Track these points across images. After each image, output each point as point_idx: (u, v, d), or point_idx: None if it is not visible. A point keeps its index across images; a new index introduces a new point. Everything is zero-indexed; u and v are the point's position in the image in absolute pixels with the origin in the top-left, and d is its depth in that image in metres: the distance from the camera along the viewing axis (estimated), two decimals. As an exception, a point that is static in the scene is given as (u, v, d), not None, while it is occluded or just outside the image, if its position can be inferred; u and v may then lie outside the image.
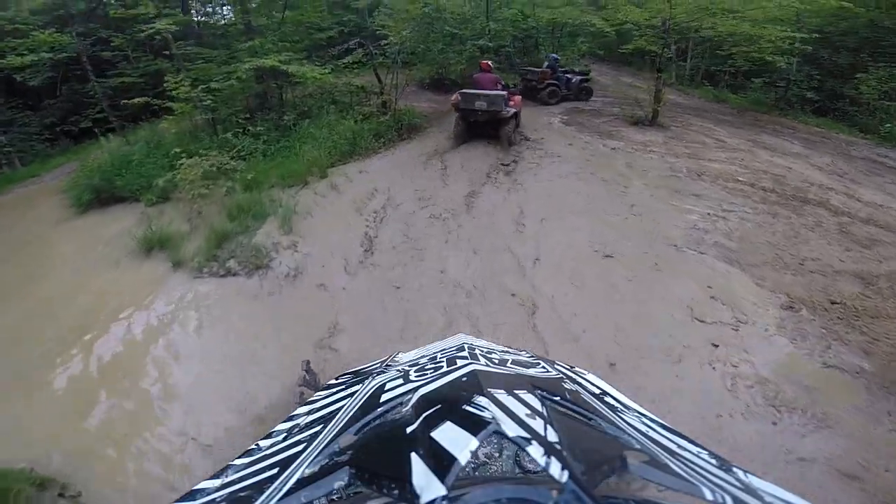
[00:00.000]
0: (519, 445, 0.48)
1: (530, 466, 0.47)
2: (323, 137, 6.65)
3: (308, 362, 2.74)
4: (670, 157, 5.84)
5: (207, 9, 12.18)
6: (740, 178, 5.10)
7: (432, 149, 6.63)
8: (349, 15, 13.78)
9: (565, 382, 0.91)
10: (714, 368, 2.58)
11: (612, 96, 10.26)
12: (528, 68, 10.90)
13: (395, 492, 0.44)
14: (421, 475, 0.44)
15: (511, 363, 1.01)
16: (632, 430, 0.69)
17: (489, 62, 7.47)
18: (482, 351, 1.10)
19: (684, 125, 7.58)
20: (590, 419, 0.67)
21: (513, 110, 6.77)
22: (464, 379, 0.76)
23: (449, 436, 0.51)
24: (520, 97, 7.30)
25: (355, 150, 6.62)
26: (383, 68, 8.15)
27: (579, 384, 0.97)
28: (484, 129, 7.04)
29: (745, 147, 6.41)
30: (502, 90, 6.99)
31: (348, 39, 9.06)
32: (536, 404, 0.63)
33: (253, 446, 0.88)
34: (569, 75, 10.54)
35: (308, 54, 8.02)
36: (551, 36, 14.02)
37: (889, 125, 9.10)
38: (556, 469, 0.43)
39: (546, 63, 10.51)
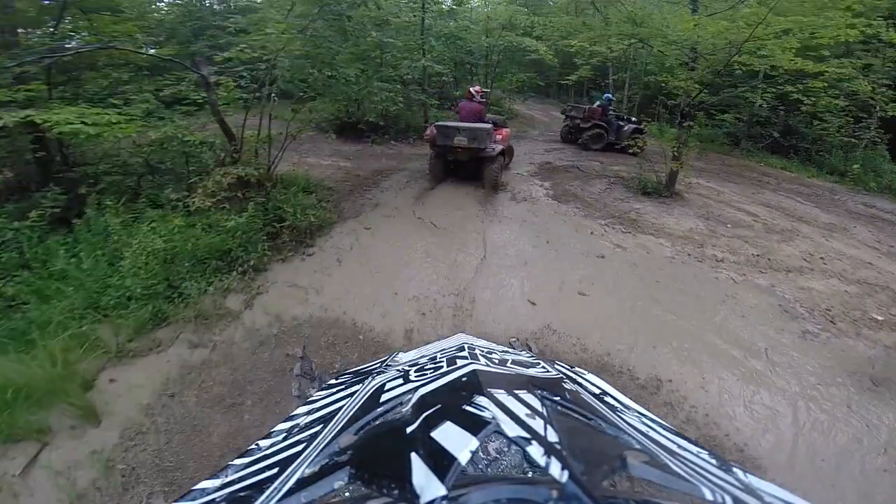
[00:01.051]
0: (519, 445, 0.48)
1: (538, 462, 0.47)
2: (96, 276, 2.95)
3: (304, 348, 2.46)
4: (745, 267, 4.19)
5: None
6: (876, 316, 3.51)
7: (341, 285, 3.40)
8: (193, 20, 10.08)
9: (565, 382, 0.91)
10: None
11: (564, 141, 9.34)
12: (574, 104, 9.80)
13: (395, 492, 0.44)
14: (421, 475, 0.44)
15: (511, 363, 1.01)
16: (632, 430, 0.69)
17: (477, 89, 6.25)
18: (482, 351, 1.10)
19: (688, 186, 6.63)
20: (590, 419, 0.67)
21: (499, 147, 5.78)
22: (464, 379, 0.76)
23: (449, 436, 0.51)
24: (508, 131, 6.44)
25: (169, 312, 2.85)
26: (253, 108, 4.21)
27: (579, 384, 0.97)
28: (465, 168, 5.99)
29: (785, 223, 5.55)
30: (487, 123, 5.93)
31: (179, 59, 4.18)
32: (536, 404, 0.63)
33: (253, 446, 0.88)
34: (621, 122, 9.17)
35: (111, 88, 4.17)
36: (486, 62, 12.58)
37: (857, 166, 9.09)
38: (556, 469, 0.43)
39: (597, 101, 9.25)
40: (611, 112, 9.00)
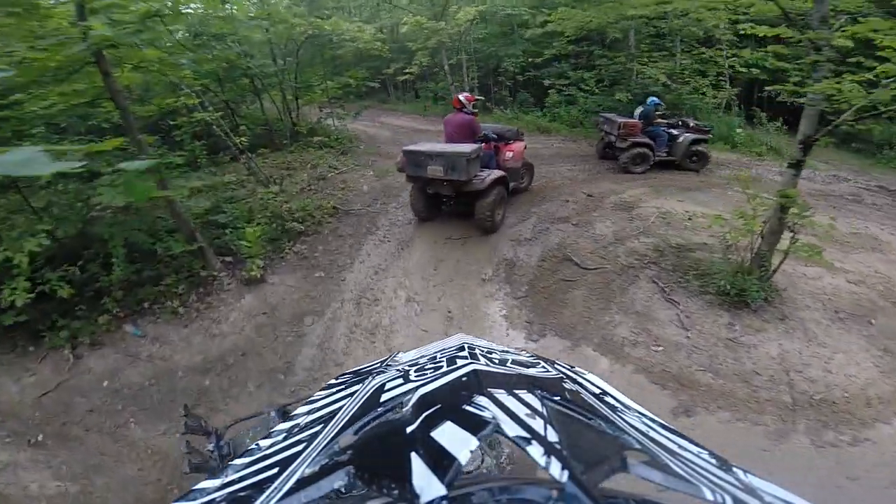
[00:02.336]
0: (519, 445, 0.48)
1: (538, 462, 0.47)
2: None
3: (186, 406, 2.35)
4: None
5: None
6: None
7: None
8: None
9: (565, 382, 0.91)
10: None
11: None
12: (606, 115, 7.40)
13: (395, 492, 0.44)
14: (421, 475, 0.44)
15: (511, 363, 1.01)
16: (632, 430, 0.69)
17: (467, 96, 4.75)
18: (482, 351, 1.10)
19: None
20: (590, 419, 0.67)
21: (492, 176, 4.30)
22: (464, 379, 0.76)
23: (449, 436, 0.51)
24: (522, 145, 4.91)
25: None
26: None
27: (579, 384, 0.97)
28: (451, 203, 4.77)
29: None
30: (478, 140, 4.53)
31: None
32: (536, 404, 0.63)
33: (253, 446, 0.89)
34: (673, 129, 6.98)
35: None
36: (280, 68, 8.15)
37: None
38: (556, 469, 0.43)
39: (639, 110, 7.03)
40: (654, 121, 6.91)
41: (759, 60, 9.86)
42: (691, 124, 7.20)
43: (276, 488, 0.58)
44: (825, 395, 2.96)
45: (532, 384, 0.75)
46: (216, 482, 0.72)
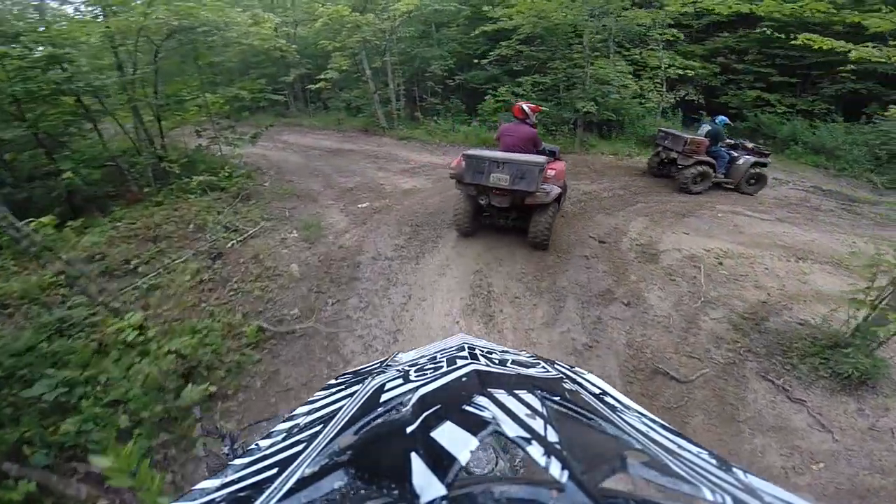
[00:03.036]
0: (519, 445, 0.48)
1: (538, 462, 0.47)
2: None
3: (199, 408, 2.28)
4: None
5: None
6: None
7: None
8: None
9: (565, 382, 0.91)
10: None
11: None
12: (668, 131, 7.25)
13: (395, 492, 0.44)
14: (421, 475, 0.44)
15: (511, 363, 1.01)
16: (632, 430, 0.69)
17: (531, 106, 4.53)
18: (482, 351, 1.10)
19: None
20: (590, 419, 0.67)
21: (555, 191, 4.09)
22: (464, 379, 0.76)
23: (449, 436, 0.51)
24: (563, 165, 4.61)
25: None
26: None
27: (579, 384, 0.97)
28: (504, 217, 4.55)
29: None
30: (541, 153, 4.39)
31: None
32: (536, 404, 0.63)
33: (253, 446, 0.89)
34: (733, 151, 6.97)
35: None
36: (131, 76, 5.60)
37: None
38: (556, 469, 0.43)
39: (705, 128, 6.91)
40: (719, 142, 6.82)
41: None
42: (750, 146, 7.17)
43: (275, 488, 0.58)
44: None
45: (532, 384, 0.75)
46: (216, 482, 0.72)
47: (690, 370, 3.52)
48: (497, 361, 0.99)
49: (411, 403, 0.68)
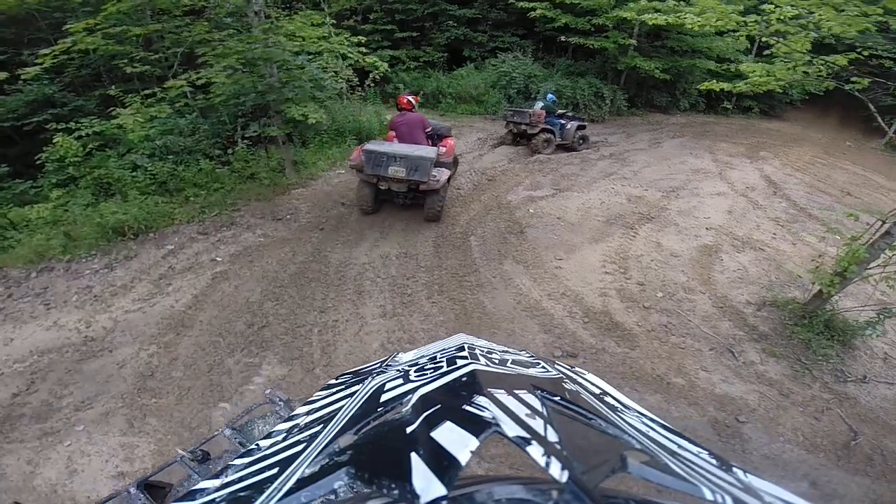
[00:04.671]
0: (519, 445, 0.48)
1: (538, 462, 0.47)
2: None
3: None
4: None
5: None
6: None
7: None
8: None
9: (565, 382, 0.91)
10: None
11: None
12: (516, 108, 9.07)
13: (395, 492, 0.44)
14: (421, 475, 0.44)
15: (511, 363, 1.01)
16: (632, 430, 0.69)
17: (413, 97, 5.23)
18: (482, 351, 1.10)
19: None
20: (590, 419, 0.67)
21: (445, 174, 4.73)
22: (464, 379, 0.76)
23: (449, 436, 0.51)
24: (453, 141, 5.33)
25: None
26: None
27: (579, 384, 0.97)
28: (402, 198, 5.12)
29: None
30: (429, 135, 5.02)
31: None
32: (536, 404, 0.63)
33: (253, 446, 0.89)
34: (562, 120, 8.84)
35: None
36: None
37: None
38: (556, 469, 0.43)
39: (540, 103, 8.71)
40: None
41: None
42: (571, 115, 9.17)
43: (276, 488, 0.58)
44: None
45: (532, 384, 0.75)
46: (216, 482, 0.72)
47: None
48: (497, 361, 0.99)
49: (411, 403, 0.68)
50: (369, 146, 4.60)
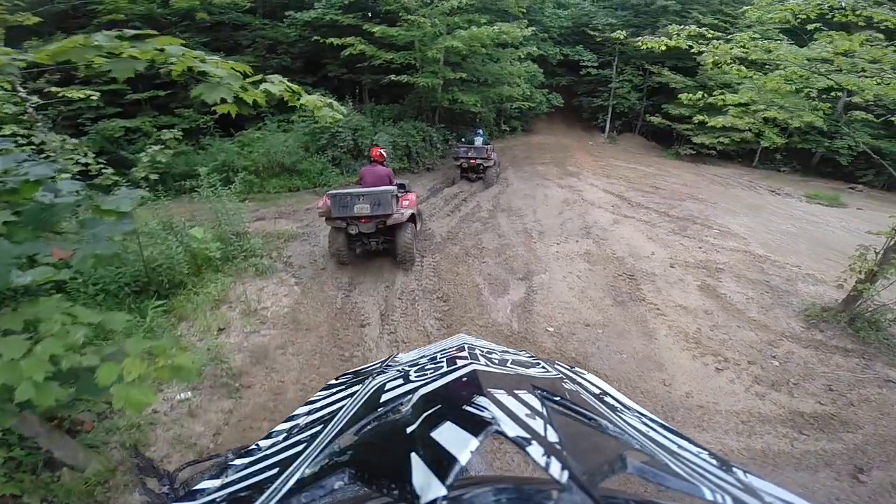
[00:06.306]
0: (519, 445, 0.48)
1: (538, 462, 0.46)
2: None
3: (135, 447, 2.35)
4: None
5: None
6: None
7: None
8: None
9: (565, 382, 0.91)
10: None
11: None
12: (468, 145, 9.43)
13: (395, 492, 0.44)
14: (421, 475, 0.44)
15: (511, 363, 1.01)
16: (632, 430, 0.69)
17: (382, 150, 5.49)
18: (482, 351, 1.10)
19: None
20: (590, 419, 0.67)
21: (408, 212, 4.97)
22: (464, 379, 0.76)
23: (449, 436, 0.51)
24: (414, 195, 5.51)
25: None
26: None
27: (579, 384, 0.97)
28: (373, 241, 5.19)
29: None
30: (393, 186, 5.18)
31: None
32: (536, 404, 0.63)
33: (253, 446, 0.89)
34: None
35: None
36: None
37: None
38: (556, 469, 0.43)
39: (479, 139, 9.52)
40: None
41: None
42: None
43: (276, 488, 0.58)
44: None
45: (532, 384, 0.75)
46: (216, 482, 0.72)
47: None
48: (497, 362, 0.99)
49: (412, 403, 0.68)
50: (333, 191, 4.87)
